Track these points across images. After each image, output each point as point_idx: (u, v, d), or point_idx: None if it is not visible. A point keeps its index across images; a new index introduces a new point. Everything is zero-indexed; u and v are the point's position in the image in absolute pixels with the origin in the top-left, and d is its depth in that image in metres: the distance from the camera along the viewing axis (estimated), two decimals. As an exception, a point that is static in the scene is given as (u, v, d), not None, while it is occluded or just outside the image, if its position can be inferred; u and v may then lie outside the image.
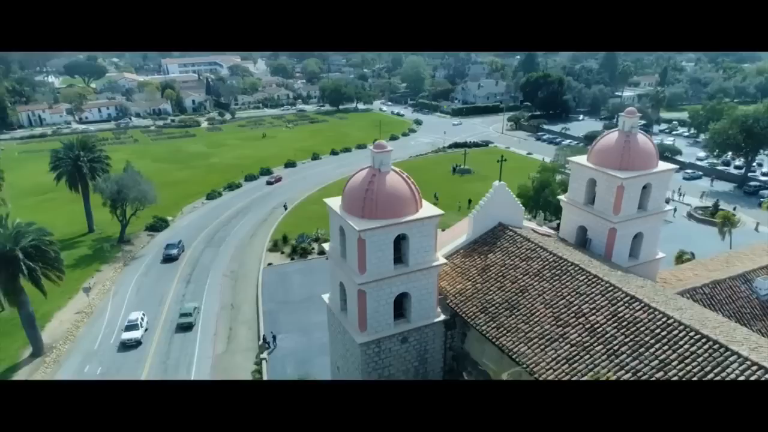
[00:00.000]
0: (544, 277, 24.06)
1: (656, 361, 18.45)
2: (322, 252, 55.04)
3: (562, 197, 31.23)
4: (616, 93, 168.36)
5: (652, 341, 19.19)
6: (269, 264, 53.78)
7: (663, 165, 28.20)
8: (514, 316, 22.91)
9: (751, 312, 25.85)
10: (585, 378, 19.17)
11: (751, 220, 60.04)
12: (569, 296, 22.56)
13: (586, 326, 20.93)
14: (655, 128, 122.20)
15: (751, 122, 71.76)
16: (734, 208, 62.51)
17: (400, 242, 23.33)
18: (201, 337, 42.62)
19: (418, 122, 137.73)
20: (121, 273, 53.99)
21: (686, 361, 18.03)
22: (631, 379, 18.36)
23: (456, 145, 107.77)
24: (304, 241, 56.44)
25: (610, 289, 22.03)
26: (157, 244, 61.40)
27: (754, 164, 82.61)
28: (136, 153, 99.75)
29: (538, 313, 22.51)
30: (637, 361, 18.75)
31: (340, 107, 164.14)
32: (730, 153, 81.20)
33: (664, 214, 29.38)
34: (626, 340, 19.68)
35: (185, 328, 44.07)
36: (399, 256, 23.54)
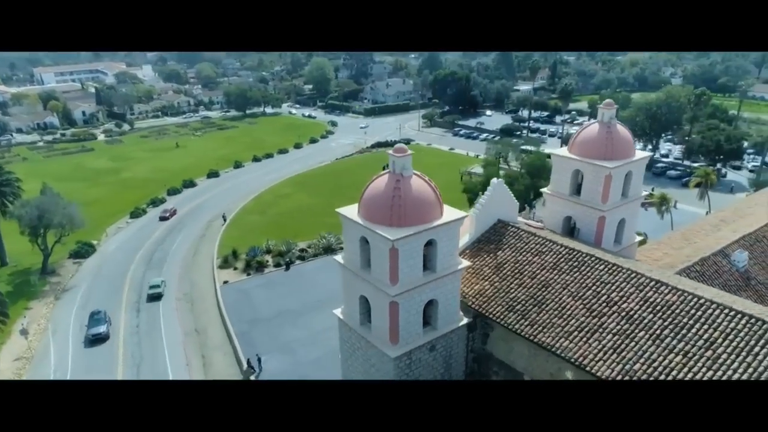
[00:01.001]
0: (563, 269, 24.37)
1: (701, 341, 19.22)
2: (278, 264, 52.59)
3: (545, 190, 31.88)
4: (515, 87, 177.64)
5: (691, 322, 20.00)
6: (225, 282, 50.38)
7: (639, 153, 29.70)
8: (544, 311, 22.95)
9: (736, 284, 28.01)
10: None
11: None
12: (594, 286, 22.99)
13: (622, 314, 21.40)
14: (558, 118, 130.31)
15: (655, 109, 78.79)
16: (652, 189, 68.08)
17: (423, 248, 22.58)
18: (172, 368, 38.95)
19: (334, 124, 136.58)
20: (55, 308, 47.96)
21: (730, 338, 18.95)
22: (683, 361, 18.99)
23: (378, 145, 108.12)
24: (256, 254, 53.47)
25: (633, 275, 22.71)
26: (87, 271, 55.38)
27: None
28: (31, 172, 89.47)
29: (569, 306, 22.73)
30: (683, 343, 19.41)
31: (247, 112, 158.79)
32: (636, 138, 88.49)
33: (642, 198, 31.06)
34: (666, 323, 20.34)
35: (155, 297, 49.19)
36: (424, 263, 22.79)
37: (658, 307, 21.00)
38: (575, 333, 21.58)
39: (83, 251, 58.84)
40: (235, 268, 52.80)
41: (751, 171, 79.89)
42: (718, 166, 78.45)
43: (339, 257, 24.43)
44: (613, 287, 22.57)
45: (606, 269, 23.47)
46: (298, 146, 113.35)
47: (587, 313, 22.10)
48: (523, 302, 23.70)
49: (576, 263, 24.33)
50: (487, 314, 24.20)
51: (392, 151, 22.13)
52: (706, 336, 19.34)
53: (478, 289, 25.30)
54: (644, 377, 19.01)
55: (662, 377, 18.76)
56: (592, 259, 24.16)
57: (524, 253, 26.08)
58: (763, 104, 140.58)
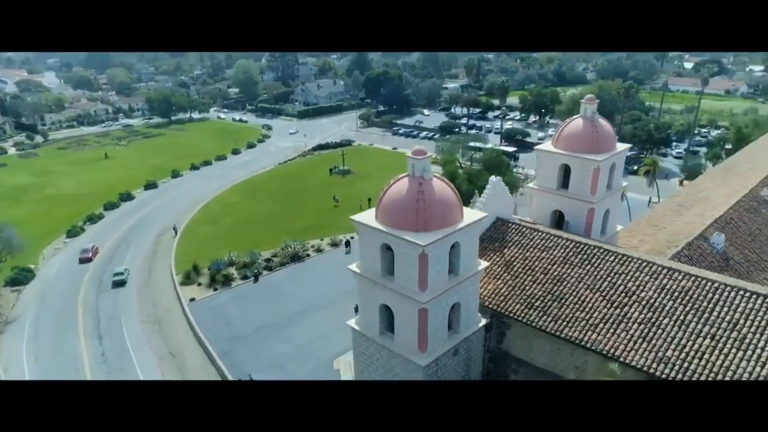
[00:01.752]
0: (574, 263, 24.71)
1: (725, 323, 20.04)
2: (245, 276, 50.01)
3: (531, 185, 32.31)
4: (444, 86, 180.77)
5: (711, 306, 20.82)
6: (192, 299, 47.16)
7: (620, 145, 30.74)
8: (565, 306, 23.14)
9: (719, 265, 29.57)
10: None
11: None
12: (609, 278, 23.44)
13: (642, 303, 21.94)
14: (490, 114, 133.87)
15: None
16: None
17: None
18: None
19: (269, 127, 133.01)
20: (1, 343, 42.86)
21: (751, 318, 19.88)
22: (712, 344, 19.68)
23: (320, 147, 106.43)
24: (220, 267, 50.55)
25: (644, 264, 23.37)
26: (29, 299, 50.09)
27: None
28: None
29: (588, 298, 23.04)
30: (708, 327, 20.17)
31: (173, 118, 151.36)
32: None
33: (623, 188, 32.24)
34: (687, 309, 21.05)
35: (119, 284, 51.27)
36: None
37: (676, 294, 21.70)
38: (601, 325, 21.90)
39: (21, 277, 53.10)
40: (199, 284, 49.61)
41: (675, 158, 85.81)
42: (647, 153, 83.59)
43: (354, 266, 23.46)
44: (628, 277, 23.10)
45: (617, 260, 24.02)
46: (236, 152, 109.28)
47: (608, 305, 22.49)
48: (542, 298, 23.79)
49: (586, 256, 24.74)
50: (505, 313, 24.11)
51: (411, 154, 21.55)
52: (728, 318, 20.17)
53: (492, 289, 25.18)
54: (678, 363, 19.55)
55: (695, 362, 19.37)
56: (601, 250, 24.67)
57: (531, 249, 26.25)
58: (669, 95, 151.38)
